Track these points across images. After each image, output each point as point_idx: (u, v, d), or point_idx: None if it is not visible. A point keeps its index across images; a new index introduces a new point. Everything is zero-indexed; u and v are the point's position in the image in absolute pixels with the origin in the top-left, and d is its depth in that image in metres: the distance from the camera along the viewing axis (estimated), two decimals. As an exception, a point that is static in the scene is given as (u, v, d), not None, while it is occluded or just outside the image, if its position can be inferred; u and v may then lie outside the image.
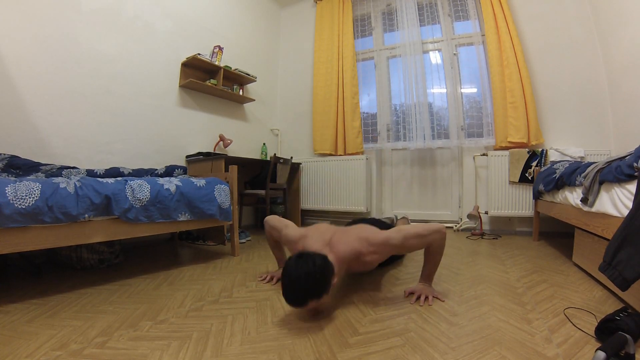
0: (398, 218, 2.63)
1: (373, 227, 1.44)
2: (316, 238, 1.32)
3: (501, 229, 2.96)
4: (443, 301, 1.27)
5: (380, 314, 1.15)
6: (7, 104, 1.85)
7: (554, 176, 1.95)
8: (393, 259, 1.84)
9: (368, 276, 1.62)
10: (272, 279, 1.55)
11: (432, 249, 1.28)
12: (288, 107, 4.05)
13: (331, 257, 1.18)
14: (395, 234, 1.25)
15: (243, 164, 3.03)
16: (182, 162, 2.81)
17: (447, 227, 3.09)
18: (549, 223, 2.61)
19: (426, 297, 1.27)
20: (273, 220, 1.57)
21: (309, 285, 1.03)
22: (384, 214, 3.43)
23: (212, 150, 3.06)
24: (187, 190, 1.76)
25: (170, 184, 1.71)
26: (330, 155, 3.53)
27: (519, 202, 2.75)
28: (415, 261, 1.89)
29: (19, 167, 1.78)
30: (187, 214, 1.75)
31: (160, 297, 1.33)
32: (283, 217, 3.40)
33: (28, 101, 1.93)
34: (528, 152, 2.70)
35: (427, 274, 1.35)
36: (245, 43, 3.58)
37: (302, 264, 1.05)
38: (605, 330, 0.90)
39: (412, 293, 1.32)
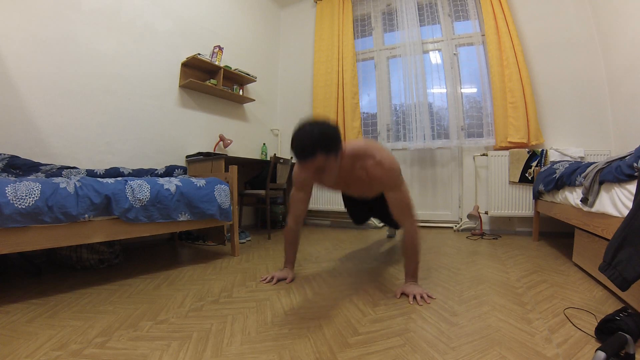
0: None
1: None
2: None
3: (501, 229, 2.96)
4: (434, 298, 1.29)
5: (380, 314, 1.15)
6: (7, 104, 1.85)
7: (554, 176, 1.95)
8: (389, 223, 1.87)
9: (368, 276, 1.62)
10: (272, 279, 1.54)
11: (406, 242, 1.33)
12: (288, 107, 4.05)
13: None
14: (398, 179, 1.33)
15: (243, 164, 3.03)
16: (182, 162, 2.81)
17: (447, 227, 3.14)
18: (549, 223, 2.61)
19: (421, 296, 1.28)
20: (294, 208, 1.53)
21: (322, 136, 1.06)
22: (384, 214, 3.43)
23: (212, 151, 3.06)
24: (187, 190, 1.76)
25: (170, 184, 1.71)
26: (330, 155, 3.53)
27: (519, 202, 2.75)
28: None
29: (19, 167, 1.78)
30: (187, 214, 1.75)
31: (160, 297, 1.33)
32: (283, 217, 3.44)
33: (28, 101, 1.93)
34: (528, 152, 2.70)
35: (411, 272, 1.37)
36: (245, 43, 3.58)
37: (316, 121, 1.10)
38: (605, 330, 0.90)
39: (404, 294, 1.33)
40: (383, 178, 1.32)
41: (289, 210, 1.56)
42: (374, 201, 1.70)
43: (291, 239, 1.57)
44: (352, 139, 3.44)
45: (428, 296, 1.29)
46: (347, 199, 2.00)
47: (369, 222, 3.33)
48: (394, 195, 1.34)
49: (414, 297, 1.27)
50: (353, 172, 1.35)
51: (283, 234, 1.60)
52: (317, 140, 1.05)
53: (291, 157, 3.23)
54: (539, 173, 2.39)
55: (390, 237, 2.74)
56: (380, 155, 1.30)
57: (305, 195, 1.52)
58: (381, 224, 3.23)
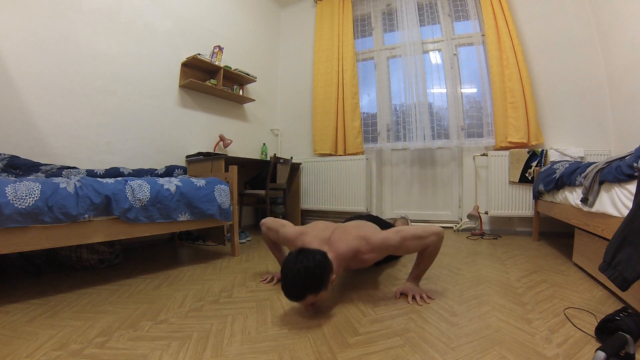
0: (397, 218, 2.63)
1: (372, 225, 1.44)
2: (315, 235, 1.33)
3: (501, 229, 2.96)
4: (433, 299, 1.29)
5: (380, 314, 1.15)
6: (7, 104, 1.85)
7: (554, 176, 1.95)
8: (390, 258, 1.85)
9: (367, 276, 1.62)
10: (272, 279, 1.55)
11: (428, 251, 1.28)
12: (288, 107, 4.05)
13: (330, 255, 1.19)
14: (393, 235, 1.25)
15: (243, 164, 3.03)
16: (182, 162, 2.81)
17: (447, 227, 3.14)
18: (549, 223, 2.61)
19: (420, 296, 1.28)
20: (269, 222, 1.57)
21: (308, 280, 1.04)
22: (384, 215, 3.43)
23: (212, 151, 3.06)
24: (187, 190, 1.76)
25: (170, 184, 1.71)
26: (330, 155, 3.53)
27: (519, 202, 2.75)
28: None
29: (19, 167, 1.78)
30: (187, 214, 1.75)
31: (160, 297, 1.33)
32: (283, 217, 3.44)
33: (28, 101, 1.93)
34: (528, 152, 2.70)
35: (417, 275, 1.37)
36: (245, 43, 3.58)
37: (302, 259, 1.07)
38: (605, 330, 0.90)
39: (403, 294, 1.33)
40: (382, 254, 1.31)
41: (269, 224, 1.56)
42: None
43: (270, 244, 1.62)
44: (350, 129, 3.41)
45: (427, 296, 1.29)
46: None
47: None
48: (401, 245, 1.27)
49: (413, 297, 1.28)
50: (354, 265, 1.33)
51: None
52: (305, 284, 1.04)
53: (291, 157, 3.24)
54: (539, 173, 2.39)
55: None
56: (369, 244, 1.26)
57: (275, 240, 1.56)
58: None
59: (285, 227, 1.49)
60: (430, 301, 1.26)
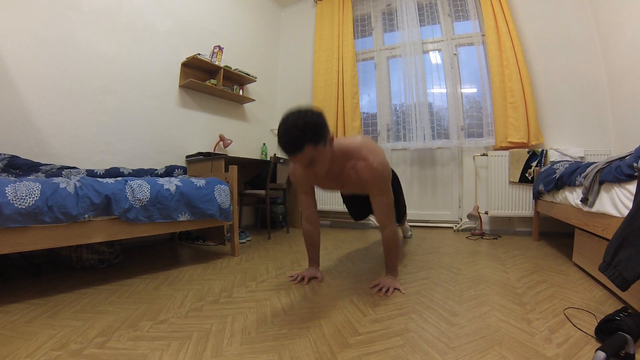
0: None
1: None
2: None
3: (501, 229, 2.96)
4: (403, 293, 1.35)
5: (380, 314, 1.15)
6: (7, 104, 1.85)
7: (554, 176, 1.95)
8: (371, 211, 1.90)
9: (367, 276, 1.62)
10: (303, 278, 1.51)
11: (389, 240, 1.40)
12: (288, 107, 3.98)
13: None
14: (386, 188, 1.35)
15: (243, 164, 3.03)
16: (182, 162, 2.81)
17: (447, 227, 3.14)
18: (549, 223, 2.61)
19: (387, 289, 1.33)
20: (302, 209, 1.56)
21: (307, 128, 1.05)
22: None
23: (212, 151, 3.06)
24: (187, 190, 1.76)
25: (170, 184, 1.71)
26: (330, 155, 3.53)
27: (519, 202, 2.75)
28: (414, 261, 1.89)
29: (19, 167, 1.78)
30: (187, 214, 1.75)
31: (160, 297, 1.33)
32: (283, 217, 3.44)
33: (28, 101, 1.93)
34: (528, 152, 2.70)
35: (390, 267, 1.45)
36: (245, 43, 3.58)
37: (299, 112, 1.10)
38: (605, 330, 0.90)
39: (376, 285, 1.39)
40: (371, 181, 1.33)
41: (301, 214, 1.59)
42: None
43: (308, 239, 1.59)
44: (351, 129, 3.43)
45: (395, 289, 1.36)
46: (345, 195, 2.01)
47: (370, 222, 3.33)
48: (380, 200, 1.36)
49: (380, 289, 1.34)
50: (344, 170, 1.36)
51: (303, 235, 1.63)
52: (303, 132, 1.05)
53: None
54: (539, 173, 2.39)
55: (407, 237, 2.67)
56: (372, 158, 1.30)
57: (308, 197, 1.53)
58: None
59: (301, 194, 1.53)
60: (391, 294, 1.32)
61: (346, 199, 2.04)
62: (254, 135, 3.68)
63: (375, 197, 1.36)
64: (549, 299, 1.27)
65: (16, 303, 1.25)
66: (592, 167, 1.44)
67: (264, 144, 3.73)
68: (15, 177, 1.67)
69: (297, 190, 1.56)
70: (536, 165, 2.65)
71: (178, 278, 1.61)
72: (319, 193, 3.44)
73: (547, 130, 2.81)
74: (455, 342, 0.94)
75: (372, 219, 3.20)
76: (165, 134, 2.71)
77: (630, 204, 1.07)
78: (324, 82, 3.63)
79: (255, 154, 3.65)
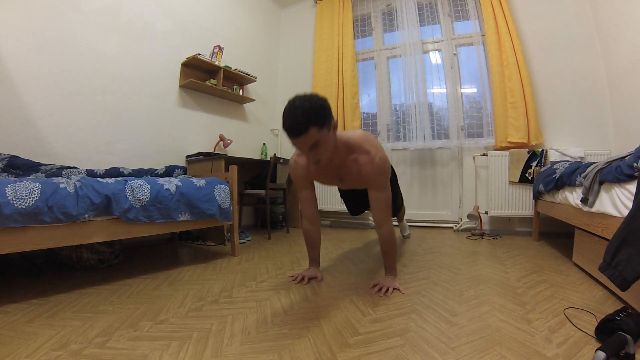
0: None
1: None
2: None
3: (501, 229, 2.96)
4: (403, 293, 1.35)
5: (380, 314, 1.15)
6: (7, 104, 1.85)
7: (554, 176, 1.95)
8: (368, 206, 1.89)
9: (367, 276, 1.62)
10: (303, 278, 1.51)
11: (387, 239, 1.40)
12: (288, 107, 4.04)
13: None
14: (385, 182, 1.35)
15: (243, 164, 3.03)
16: (182, 162, 2.81)
17: (447, 227, 3.14)
18: (549, 223, 2.61)
19: (387, 289, 1.34)
20: (303, 208, 1.56)
21: (312, 111, 1.06)
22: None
23: (212, 151, 3.06)
24: (187, 190, 1.76)
25: (170, 184, 1.71)
26: (330, 155, 3.52)
27: (519, 202, 2.75)
28: (414, 261, 1.89)
29: (19, 167, 1.78)
30: (187, 214, 1.75)
31: (160, 297, 1.33)
32: (283, 217, 3.44)
33: (28, 101, 1.93)
34: (528, 152, 2.70)
35: (389, 267, 1.45)
36: (245, 43, 3.58)
37: (305, 96, 1.11)
38: (605, 330, 0.90)
39: (376, 285, 1.40)
40: (372, 176, 1.33)
41: (302, 212, 1.58)
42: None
43: (309, 238, 1.58)
44: (351, 129, 3.43)
45: (395, 289, 1.36)
46: (343, 189, 2.02)
47: (370, 221, 3.33)
48: (378, 196, 1.36)
49: (380, 289, 1.34)
50: (345, 163, 1.36)
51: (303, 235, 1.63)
52: (308, 114, 1.05)
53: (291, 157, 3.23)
54: (539, 173, 2.39)
55: (405, 237, 2.67)
56: (374, 152, 1.31)
57: (309, 193, 1.52)
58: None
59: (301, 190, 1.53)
60: (390, 295, 1.32)
61: (344, 194, 2.04)
62: (254, 135, 3.68)
63: (373, 192, 1.36)
64: (549, 299, 1.27)
65: (16, 303, 1.25)
66: (592, 167, 1.44)
67: (264, 144, 3.73)
68: (15, 177, 1.67)
69: (297, 187, 1.55)
70: (536, 165, 2.65)
71: (178, 278, 1.61)
72: (319, 193, 3.45)
73: (547, 130, 2.81)
74: (455, 342, 0.94)
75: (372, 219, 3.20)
76: (165, 134, 2.71)
77: (630, 204, 1.07)
78: (324, 82, 3.63)
79: (255, 154, 3.66)
